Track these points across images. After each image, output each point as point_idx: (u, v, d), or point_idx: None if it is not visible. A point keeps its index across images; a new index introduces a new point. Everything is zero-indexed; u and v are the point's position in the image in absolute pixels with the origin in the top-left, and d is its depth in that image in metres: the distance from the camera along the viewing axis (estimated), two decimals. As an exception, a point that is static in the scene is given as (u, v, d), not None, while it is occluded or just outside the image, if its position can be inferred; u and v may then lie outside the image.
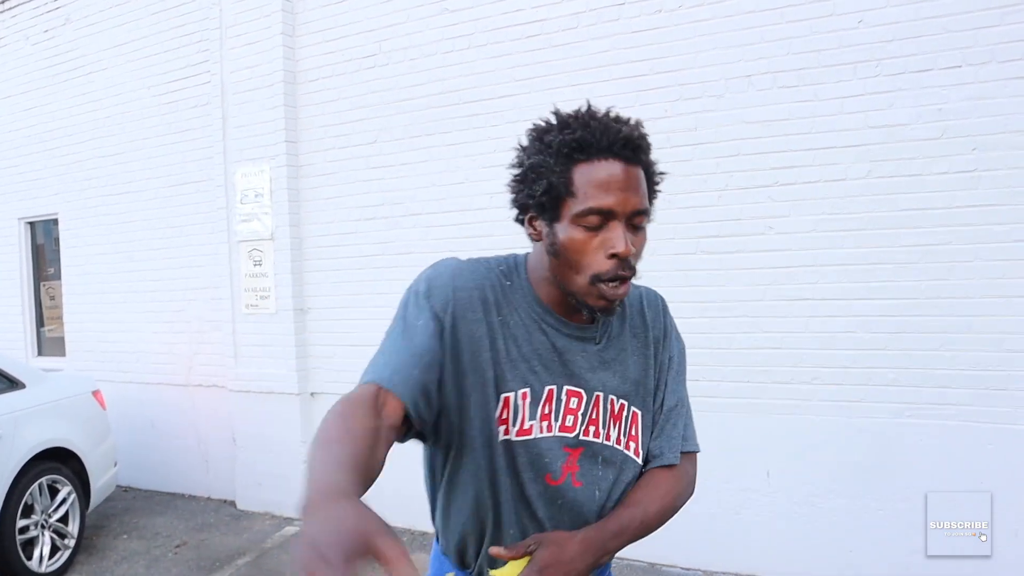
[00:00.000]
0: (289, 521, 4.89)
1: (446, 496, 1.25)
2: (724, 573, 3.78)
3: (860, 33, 3.49)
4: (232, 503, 5.32)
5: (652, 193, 1.19)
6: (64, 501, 4.24)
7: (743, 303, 3.75)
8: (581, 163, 1.10)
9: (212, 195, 5.31)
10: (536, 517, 1.20)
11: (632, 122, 1.15)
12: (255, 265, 5.09)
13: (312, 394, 5.02)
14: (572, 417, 1.21)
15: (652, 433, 1.30)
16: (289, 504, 4.97)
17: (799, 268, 3.63)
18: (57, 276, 6.48)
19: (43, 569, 4.05)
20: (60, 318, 6.43)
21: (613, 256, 1.10)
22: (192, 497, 5.59)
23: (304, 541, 0.68)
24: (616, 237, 1.09)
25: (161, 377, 5.72)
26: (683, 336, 1.38)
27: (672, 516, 1.28)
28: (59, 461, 4.23)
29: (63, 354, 6.35)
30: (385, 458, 1.01)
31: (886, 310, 3.47)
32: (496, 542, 1.20)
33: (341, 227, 4.89)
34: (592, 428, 1.22)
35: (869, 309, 3.50)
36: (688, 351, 1.38)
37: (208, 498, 5.53)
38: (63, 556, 4.19)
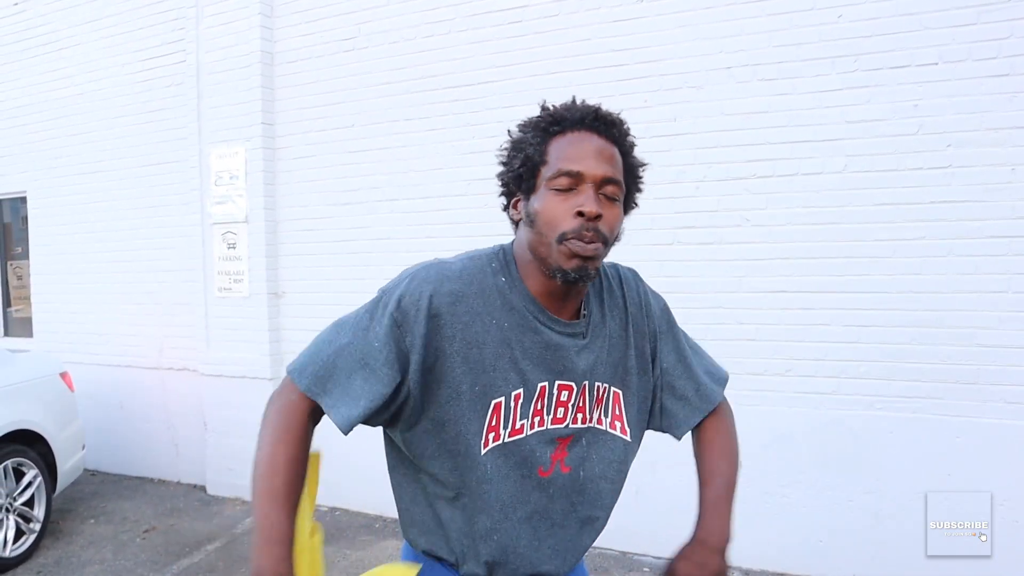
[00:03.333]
0: (260, 506, 4.85)
1: (418, 505, 1.29)
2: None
3: (840, 28, 3.51)
4: (202, 488, 5.26)
5: (633, 182, 1.24)
6: (30, 484, 4.16)
7: (718, 294, 3.77)
8: (556, 136, 1.19)
9: (186, 176, 5.22)
10: (525, 514, 1.23)
11: (611, 109, 1.22)
12: (229, 248, 5.02)
13: (285, 379, 4.97)
14: (563, 409, 1.24)
15: (669, 387, 1.37)
16: (260, 489, 4.93)
17: (774, 260, 3.66)
18: (25, 256, 6.36)
19: (7, 553, 3.98)
20: (27, 298, 6.32)
21: (580, 215, 1.13)
22: (161, 481, 5.52)
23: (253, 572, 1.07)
24: (585, 199, 1.13)
25: (131, 359, 5.64)
26: None
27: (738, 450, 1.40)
28: (25, 443, 4.15)
29: (30, 335, 6.23)
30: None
31: (859, 303, 3.51)
32: (481, 548, 1.23)
33: (317, 211, 4.84)
34: (580, 415, 1.26)
35: (843, 302, 3.54)
36: None
37: (177, 483, 5.47)
38: (28, 540, 4.12)
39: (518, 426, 1.21)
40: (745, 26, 3.68)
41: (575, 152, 1.16)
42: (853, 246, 3.51)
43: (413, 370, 1.15)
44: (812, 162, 3.58)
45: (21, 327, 6.48)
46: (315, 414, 1.20)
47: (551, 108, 1.23)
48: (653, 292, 1.41)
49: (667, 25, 3.84)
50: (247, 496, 4.98)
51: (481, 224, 4.22)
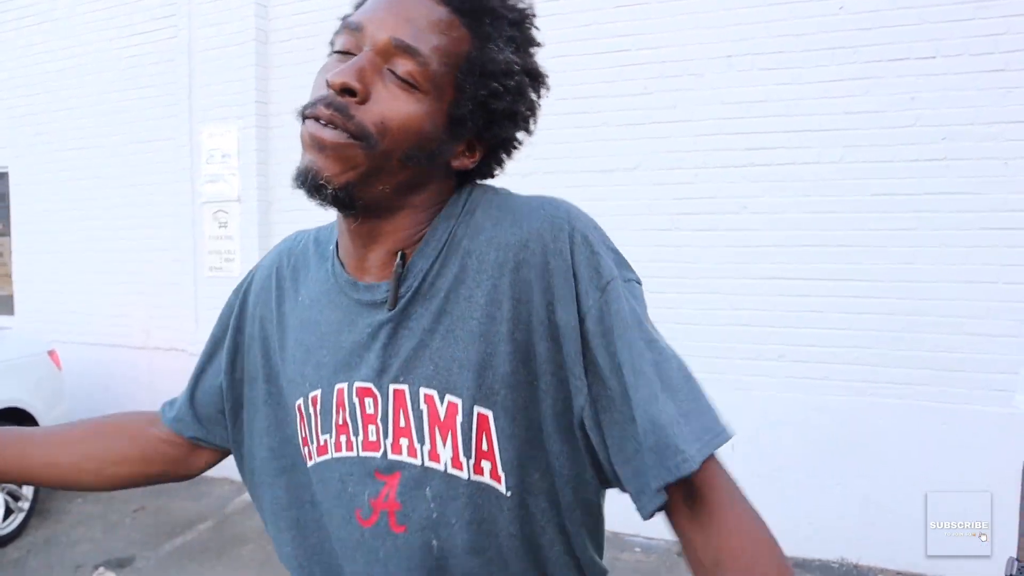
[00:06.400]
0: (249, 487, 4.84)
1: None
2: (685, 543, 3.88)
3: (840, 20, 3.56)
4: (189, 468, 5.23)
5: (482, 84, 0.78)
6: (18, 462, 4.11)
7: (714, 280, 3.82)
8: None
9: (176, 154, 5.16)
10: (358, 570, 0.82)
11: None
12: (220, 227, 4.98)
13: (276, 360, 4.96)
14: (373, 427, 0.80)
15: (601, 442, 0.75)
16: (250, 470, 4.92)
17: (771, 247, 3.71)
18: (6, 232, 6.24)
19: (-4, 531, 3.95)
20: (9, 275, 6.20)
21: (327, 86, 0.74)
22: (147, 462, 5.48)
23: None
24: (345, 66, 0.74)
25: (117, 339, 5.57)
26: (646, 294, 0.81)
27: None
28: (13, 422, 4.10)
29: (11, 312, 6.13)
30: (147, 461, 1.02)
31: (853, 291, 3.57)
32: None
33: (311, 192, 4.80)
34: (405, 441, 0.78)
35: (837, 289, 3.60)
36: (658, 326, 0.78)
37: (164, 463, 5.43)
38: (17, 519, 4.08)
39: (322, 441, 0.84)
40: (746, 15, 3.72)
41: (372, 2, 0.79)
42: (849, 235, 3.57)
43: (229, 353, 0.95)
44: (810, 151, 3.63)
45: (2, 305, 6.37)
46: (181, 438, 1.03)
47: None
48: (613, 258, 0.78)
49: (669, 12, 3.86)
50: (236, 476, 4.89)
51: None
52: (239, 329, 0.96)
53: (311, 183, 0.74)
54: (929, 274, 3.45)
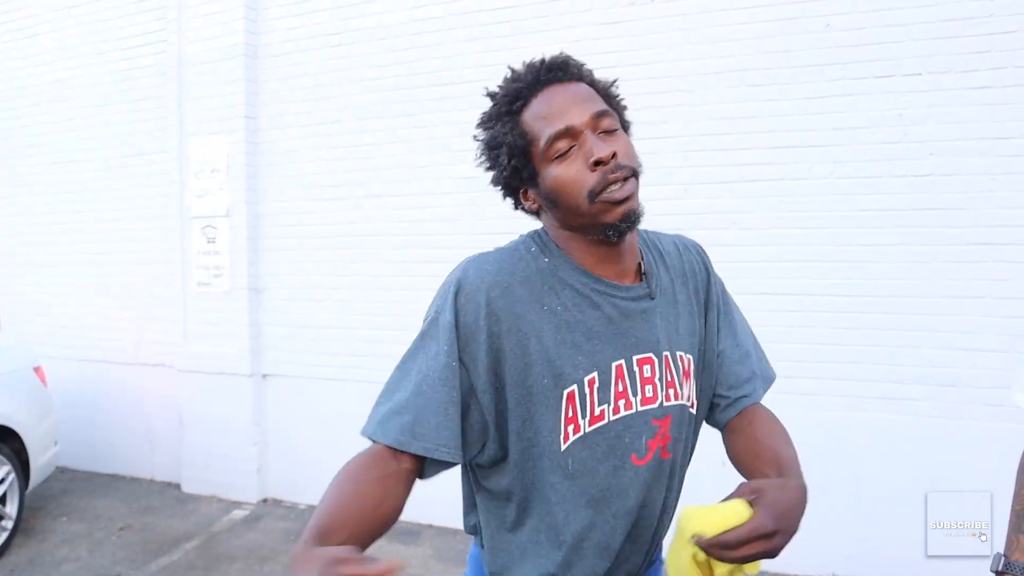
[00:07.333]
0: (237, 505, 4.80)
1: (504, 522, 1.19)
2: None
3: (828, 37, 3.58)
4: (177, 485, 5.18)
5: (615, 103, 1.16)
6: (2, 481, 4.06)
7: (705, 296, 3.81)
8: (523, 110, 1.11)
9: (165, 168, 5.14)
10: (624, 509, 1.13)
11: (555, 53, 1.16)
12: (208, 242, 4.95)
13: (264, 375, 4.93)
14: (651, 387, 1.13)
15: (724, 373, 1.26)
16: (238, 487, 4.88)
17: (761, 263, 3.72)
18: (-7, 246, 6.19)
19: (-22, 550, 3.89)
20: (-5, 290, 6.15)
21: (597, 165, 1.05)
22: (134, 479, 5.42)
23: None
24: (591, 146, 1.06)
25: (105, 354, 5.52)
26: None
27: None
28: (-3, 438, 4.06)
29: (-4, 328, 6.08)
30: (403, 497, 1.05)
31: (844, 306, 3.58)
32: (573, 557, 1.14)
33: (301, 206, 4.80)
34: (671, 391, 1.16)
35: (827, 305, 3.61)
36: None
37: (151, 480, 5.38)
38: (1, 538, 4.02)
39: (597, 412, 1.10)
40: (735, 32, 3.74)
41: (551, 111, 1.08)
42: (838, 250, 3.58)
43: (482, 379, 1.08)
44: (799, 167, 3.64)
45: (-13, 319, 6.31)
46: (415, 470, 1.08)
47: (499, 89, 1.16)
48: (713, 267, 1.34)
49: (657, 28, 3.88)
50: (223, 494, 4.93)
51: (469, 221, 4.23)
52: (496, 344, 1.10)
53: (635, 220, 1.08)
54: (918, 289, 3.46)
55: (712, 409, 1.29)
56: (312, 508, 4.63)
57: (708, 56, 3.79)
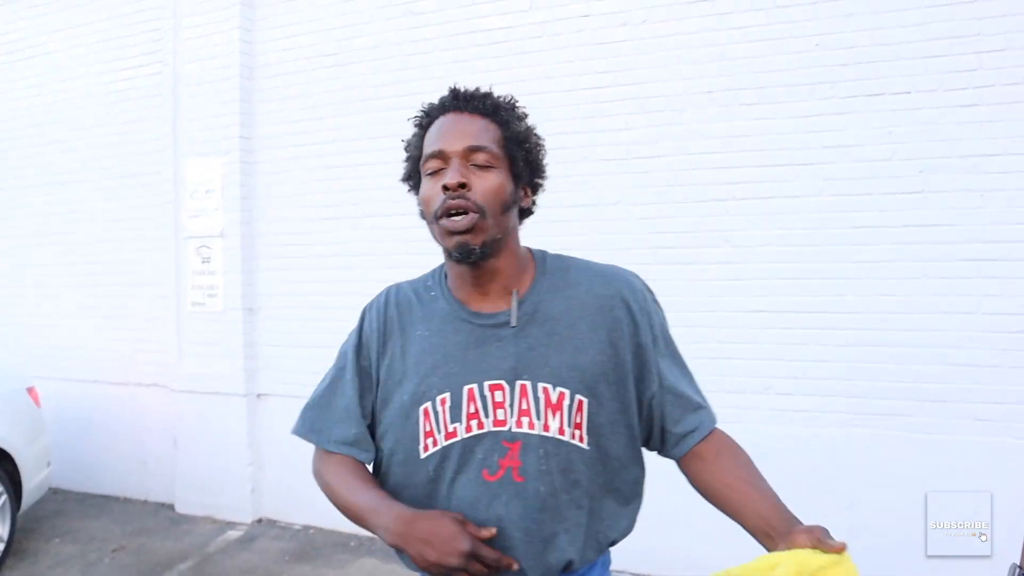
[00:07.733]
0: (232, 525, 4.76)
1: None
2: (673, 578, 3.85)
3: (818, 56, 3.61)
4: (170, 506, 5.15)
5: (518, 148, 1.22)
6: (-6, 502, 4.04)
7: (698, 313, 3.83)
8: (429, 126, 1.24)
9: (160, 189, 5.15)
10: (487, 520, 1.19)
11: (483, 86, 1.28)
12: (203, 262, 4.96)
13: (259, 395, 4.92)
14: (502, 411, 1.19)
15: (668, 410, 1.28)
16: (232, 507, 4.85)
17: (754, 280, 3.73)
18: (-13, 267, 6.19)
19: (-30, 573, 3.86)
20: (-11, 311, 6.14)
21: (445, 189, 1.14)
22: (127, 500, 5.39)
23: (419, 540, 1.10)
24: (448, 173, 1.15)
25: (99, 374, 5.51)
26: None
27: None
28: (-10, 459, 4.04)
29: (-9, 349, 6.06)
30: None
31: (836, 323, 3.59)
32: None
33: (295, 226, 4.81)
34: (525, 420, 1.19)
35: (820, 322, 3.62)
36: None
37: (145, 501, 5.34)
38: (-8, 560, 4.00)
39: (451, 429, 1.20)
40: (726, 51, 3.77)
41: (438, 133, 1.19)
42: (830, 267, 3.60)
43: (366, 386, 1.31)
44: (790, 185, 3.67)
45: (-19, 340, 6.29)
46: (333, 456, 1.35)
47: (424, 105, 1.29)
48: (657, 304, 1.34)
49: (649, 49, 3.91)
50: (218, 515, 4.90)
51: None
52: (371, 371, 1.32)
53: (467, 254, 1.15)
54: (910, 305, 3.47)
55: (663, 444, 1.33)
56: (307, 528, 4.62)
57: (699, 76, 3.82)
